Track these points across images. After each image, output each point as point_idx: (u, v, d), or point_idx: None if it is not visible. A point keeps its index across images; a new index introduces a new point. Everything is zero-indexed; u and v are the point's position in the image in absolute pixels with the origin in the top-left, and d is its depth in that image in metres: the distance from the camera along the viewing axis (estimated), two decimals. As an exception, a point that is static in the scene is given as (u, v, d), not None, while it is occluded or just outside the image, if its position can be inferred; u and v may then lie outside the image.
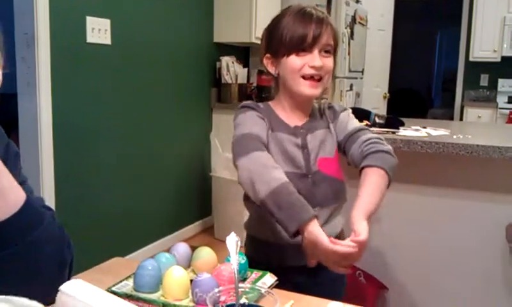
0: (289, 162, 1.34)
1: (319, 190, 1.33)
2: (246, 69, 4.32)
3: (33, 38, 2.50)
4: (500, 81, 5.98)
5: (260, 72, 4.20)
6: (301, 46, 1.30)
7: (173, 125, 3.67)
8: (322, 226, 1.20)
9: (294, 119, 1.39)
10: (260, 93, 4.18)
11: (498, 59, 5.70)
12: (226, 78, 4.06)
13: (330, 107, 1.45)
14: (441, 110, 7.81)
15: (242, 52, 4.53)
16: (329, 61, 1.33)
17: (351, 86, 4.75)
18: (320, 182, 1.34)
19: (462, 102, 6.12)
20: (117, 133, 3.10)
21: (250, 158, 1.20)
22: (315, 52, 1.30)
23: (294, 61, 1.31)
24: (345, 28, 4.39)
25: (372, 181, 1.27)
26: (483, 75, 6.15)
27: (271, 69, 1.38)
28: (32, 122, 2.56)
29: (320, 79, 1.32)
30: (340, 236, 1.36)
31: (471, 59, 5.90)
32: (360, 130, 1.39)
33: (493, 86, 6.07)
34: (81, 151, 2.83)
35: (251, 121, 1.31)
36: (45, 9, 2.52)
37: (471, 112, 5.71)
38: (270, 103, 1.43)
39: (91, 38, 2.83)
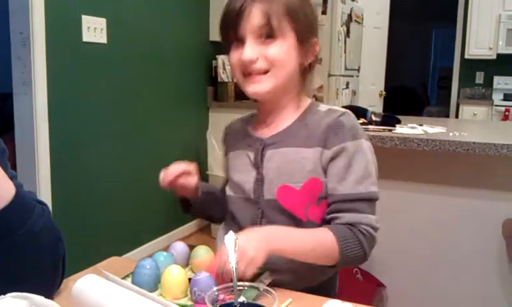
0: (235, 185, 1.15)
1: (268, 225, 1.05)
2: (242, 67, 4.31)
3: (29, 37, 2.49)
4: (496, 78, 5.99)
5: (257, 71, 4.19)
6: (229, 41, 1.08)
7: (169, 124, 3.66)
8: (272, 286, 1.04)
9: (265, 129, 1.15)
10: (256, 91, 4.17)
11: (494, 57, 5.71)
12: (223, 76, 4.06)
13: (336, 128, 1.07)
14: (437, 107, 7.83)
15: (239, 51, 4.52)
16: (273, 49, 1.04)
17: (347, 84, 4.75)
18: (273, 215, 1.09)
19: (458, 100, 6.13)
20: (113, 132, 3.09)
21: None
22: (248, 40, 1.04)
23: (230, 57, 1.09)
24: (342, 26, 4.39)
25: (315, 235, 1.03)
26: (479, 72, 6.16)
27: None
28: (28, 121, 2.55)
29: (266, 72, 1.06)
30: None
31: (466, 56, 5.91)
32: (356, 200, 1.05)
33: (488, 83, 6.08)
34: (77, 150, 2.82)
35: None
36: (40, 8, 2.50)
37: (466, 110, 5.72)
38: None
39: (87, 36, 2.82)
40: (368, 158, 1.08)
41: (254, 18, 1.03)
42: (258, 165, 1.12)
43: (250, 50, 1.04)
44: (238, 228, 1.11)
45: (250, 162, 1.13)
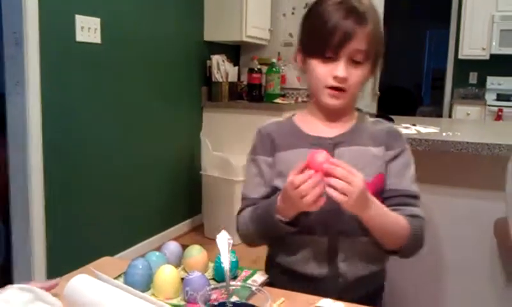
0: None
1: (339, 216, 1.13)
2: (236, 67, 4.31)
3: (22, 37, 2.48)
4: (489, 79, 6.02)
5: (251, 70, 4.20)
6: (324, 53, 1.14)
7: (163, 124, 3.66)
8: (344, 260, 1.19)
9: (325, 130, 1.23)
10: (250, 91, 4.18)
11: (487, 57, 5.74)
12: (217, 76, 4.06)
13: (395, 133, 1.24)
14: (430, 107, 7.85)
15: (233, 51, 4.52)
16: (356, 74, 1.15)
17: (341, 84, 4.76)
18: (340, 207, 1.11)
19: (451, 100, 6.15)
20: (107, 132, 3.08)
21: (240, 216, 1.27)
22: (342, 61, 1.13)
23: (317, 68, 1.16)
24: (335, 26, 4.40)
25: (397, 215, 1.15)
26: (472, 72, 6.18)
27: (300, 66, 1.23)
28: (20, 122, 2.53)
29: (345, 90, 1.16)
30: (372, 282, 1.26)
31: (460, 57, 5.93)
32: (413, 196, 1.21)
33: (481, 83, 6.10)
34: (70, 151, 2.81)
35: (248, 181, 1.30)
36: (33, 7, 2.49)
37: (460, 110, 5.74)
38: (299, 115, 1.30)
39: (81, 36, 2.81)
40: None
41: (358, 43, 1.13)
42: None
43: (344, 70, 1.14)
44: (309, 224, 1.16)
45: None
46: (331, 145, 1.19)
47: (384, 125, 1.26)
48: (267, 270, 1.29)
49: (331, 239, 1.18)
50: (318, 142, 1.19)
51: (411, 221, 1.15)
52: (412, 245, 1.17)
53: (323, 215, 1.11)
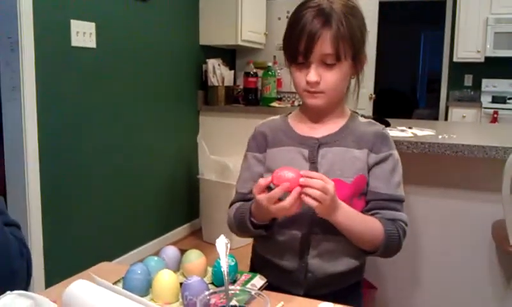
0: None
1: (313, 215, 1.15)
2: (232, 71, 4.32)
3: (17, 42, 2.47)
4: (484, 81, 6.04)
5: (247, 74, 4.20)
6: (296, 60, 1.21)
7: (160, 128, 3.66)
8: (314, 257, 1.22)
9: (314, 130, 1.27)
10: (246, 95, 4.19)
11: (482, 60, 5.76)
12: (213, 80, 4.06)
13: (382, 137, 1.26)
14: (426, 110, 7.87)
15: (228, 55, 4.53)
16: (330, 76, 1.18)
17: (337, 87, 4.76)
18: None
19: (447, 102, 6.17)
20: (103, 137, 3.08)
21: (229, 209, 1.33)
22: (312, 65, 1.18)
23: (294, 74, 1.23)
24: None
25: (368, 219, 1.19)
26: (467, 75, 6.20)
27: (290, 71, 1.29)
28: (17, 127, 2.53)
29: (322, 92, 1.20)
30: (344, 278, 1.26)
31: (455, 59, 5.95)
32: (397, 201, 1.23)
33: (477, 86, 6.13)
34: (67, 156, 2.81)
35: (239, 176, 1.35)
36: (28, 12, 2.49)
37: (456, 112, 5.76)
38: (293, 113, 1.34)
39: (76, 41, 2.81)
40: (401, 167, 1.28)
41: (324, 46, 1.16)
42: (313, 160, 1.23)
43: (315, 74, 1.18)
44: (287, 219, 1.20)
45: (303, 158, 1.24)
46: (316, 145, 1.24)
47: (374, 127, 1.28)
48: (252, 258, 1.38)
49: (304, 235, 1.22)
50: (305, 142, 1.25)
51: (387, 225, 1.19)
52: (387, 247, 1.19)
53: (298, 212, 1.14)
